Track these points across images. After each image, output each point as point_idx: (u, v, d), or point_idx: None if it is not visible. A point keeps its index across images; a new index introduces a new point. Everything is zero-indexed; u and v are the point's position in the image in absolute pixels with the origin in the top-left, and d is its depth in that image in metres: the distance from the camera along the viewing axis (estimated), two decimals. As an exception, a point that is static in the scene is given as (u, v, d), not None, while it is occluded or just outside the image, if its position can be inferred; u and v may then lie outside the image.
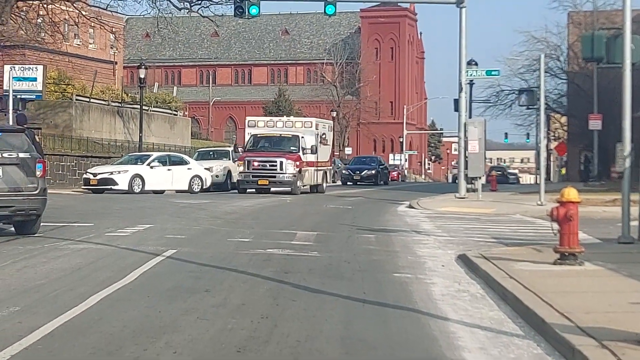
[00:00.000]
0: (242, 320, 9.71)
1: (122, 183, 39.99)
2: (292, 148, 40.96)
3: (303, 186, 41.56)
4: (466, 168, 35.60)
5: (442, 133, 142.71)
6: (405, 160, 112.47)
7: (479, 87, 72.82)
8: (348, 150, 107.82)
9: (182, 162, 43.16)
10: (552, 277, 12.46)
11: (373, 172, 61.00)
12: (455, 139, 49.06)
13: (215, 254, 15.53)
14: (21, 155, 18.17)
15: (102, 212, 25.59)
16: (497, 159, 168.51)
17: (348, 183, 59.67)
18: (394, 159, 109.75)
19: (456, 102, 38.61)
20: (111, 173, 40.53)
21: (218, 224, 22.33)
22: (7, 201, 17.85)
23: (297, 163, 40.43)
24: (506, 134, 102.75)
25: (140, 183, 40.42)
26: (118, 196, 36.71)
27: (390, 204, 34.28)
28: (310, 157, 41.84)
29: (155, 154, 44.21)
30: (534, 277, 12.29)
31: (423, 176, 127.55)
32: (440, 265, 14.86)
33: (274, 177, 40.17)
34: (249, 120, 44.98)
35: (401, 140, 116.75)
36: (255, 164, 40.23)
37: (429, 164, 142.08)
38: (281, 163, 40.04)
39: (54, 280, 12.50)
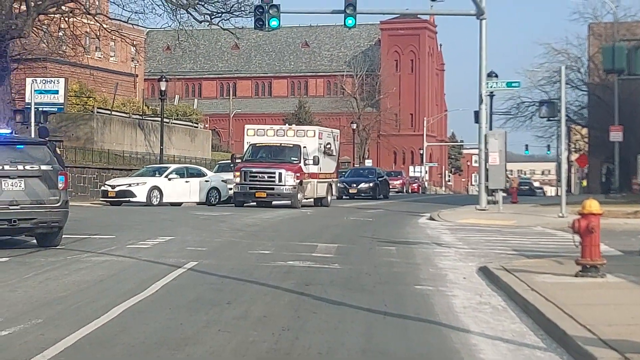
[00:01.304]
0: (263, 332, 9.71)
1: (140, 195, 39.95)
2: (292, 158, 38.79)
3: (305, 199, 39.60)
4: (487, 180, 35.54)
5: (462, 145, 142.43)
6: (426, 172, 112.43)
7: (499, 99, 72.53)
8: (368, 162, 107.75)
9: (200, 174, 43.07)
10: (574, 290, 12.42)
11: (371, 184, 55.73)
12: (476, 151, 49.05)
13: (236, 266, 15.55)
14: (43, 167, 18.25)
15: (123, 224, 25.66)
16: (518, 170, 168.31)
17: (344, 197, 53.28)
18: (414, 171, 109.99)
19: (476, 114, 38.56)
20: (129, 185, 40.49)
21: (239, 236, 22.35)
22: (29, 213, 17.93)
23: (298, 174, 38.22)
24: (527, 145, 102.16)
25: (158, 195, 40.33)
26: (137, 208, 36.77)
27: (410, 216, 34.23)
28: (313, 168, 39.57)
29: (173, 166, 44.21)
30: (555, 289, 12.25)
31: (443, 188, 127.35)
32: (462, 277, 14.82)
33: (272, 189, 37.91)
34: (248, 129, 42.23)
35: (421, 152, 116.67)
36: (253, 175, 38.00)
37: (449, 176, 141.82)
38: (280, 174, 37.83)
39: (76, 292, 12.55)
